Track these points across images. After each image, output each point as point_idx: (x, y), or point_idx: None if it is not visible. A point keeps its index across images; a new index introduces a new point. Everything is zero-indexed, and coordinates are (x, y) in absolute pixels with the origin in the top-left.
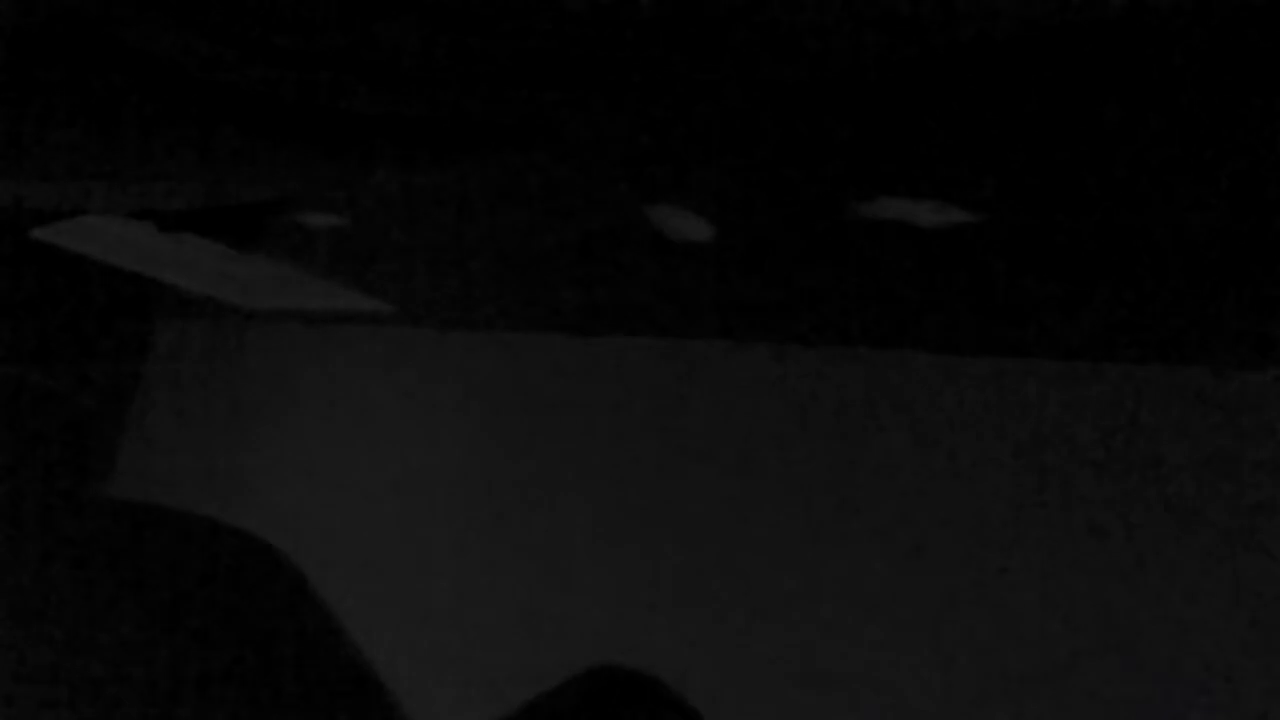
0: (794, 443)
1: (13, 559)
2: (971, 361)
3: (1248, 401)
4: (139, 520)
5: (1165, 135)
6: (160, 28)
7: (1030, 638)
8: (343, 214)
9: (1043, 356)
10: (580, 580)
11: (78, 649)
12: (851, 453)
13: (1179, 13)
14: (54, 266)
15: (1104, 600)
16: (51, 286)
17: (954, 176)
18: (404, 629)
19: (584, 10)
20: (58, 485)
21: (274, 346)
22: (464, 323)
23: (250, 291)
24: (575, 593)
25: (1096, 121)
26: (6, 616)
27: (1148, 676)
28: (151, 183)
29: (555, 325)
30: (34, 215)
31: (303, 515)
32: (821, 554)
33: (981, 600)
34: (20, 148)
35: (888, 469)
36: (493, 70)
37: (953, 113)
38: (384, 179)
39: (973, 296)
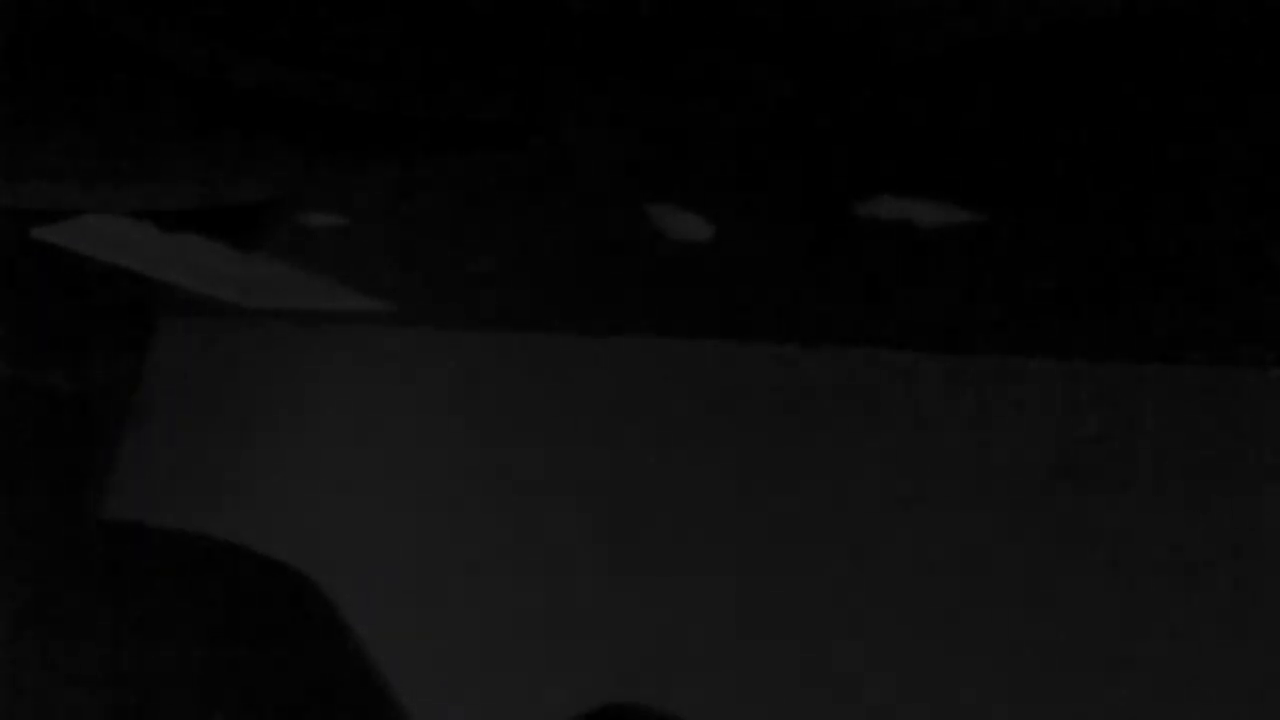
0: (794, 443)
1: (14, 561)
2: (971, 361)
3: (1248, 401)
4: (166, 542)
5: (1165, 135)
6: (160, 28)
7: (1030, 637)
8: (343, 214)
9: (1044, 356)
10: (580, 578)
11: (82, 663)
12: (851, 453)
13: (1180, 13)
14: (54, 266)
15: (1103, 600)
16: (51, 286)
17: (954, 176)
18: (404, 627)
19: (584, 10)
20: (58, 485)
21: (274, 346)
22: (464, 323)
23: (250, 291)
24: (574, 590)
25: (1098, 121)
26: (7, 621)
27: (1148, 676)
28: (151, 183)
29: (555, 325)
30: (34, 215)
31: (302, 513)
32: (821, 553)
33: (981, 600)
34: (20, 148)
35: (888, 469)
36: (492, 70)
37: (954, 112)
38: (384, 178)
39: (973, 296)
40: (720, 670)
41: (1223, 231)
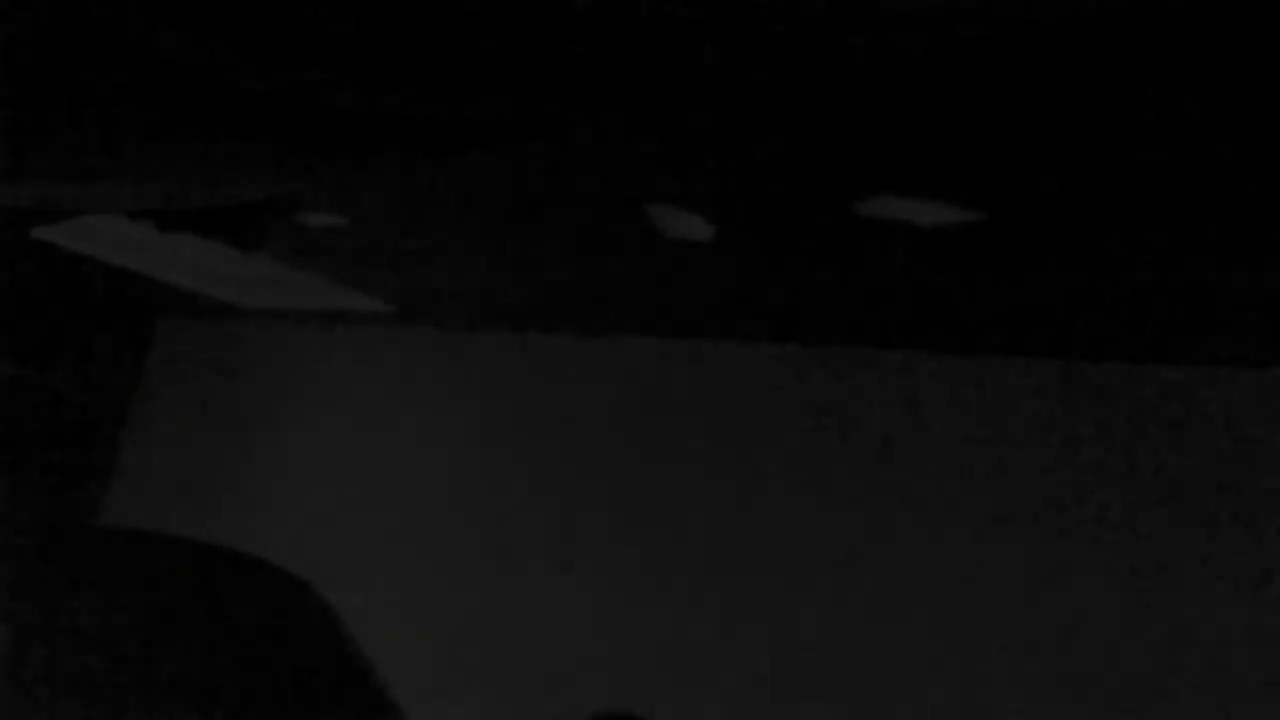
0: (794, 442)
1: (14, 562)
2: (971, 361)
3: (1248, 401)
4: (160, 548)
5: (1165, 134)
6: (161, 29)
7: (1030, 637)
8: (343, 214)
9: (1043, 356)
10: (579, 578)
11: (84, 664)
12: (851, 452)
13: (1178, 12)
14: (54, 266)
15: (1104, 600)
16: (51, 286)
17: (954, 176)
18: (402, 626)
19: (585, 11)
20: (58, 485)
21: (274, 346)
22: (464, 323)
23: (250, 291)
24: (574, 590)
25: (1096, 121)
26: (8, 622)
27: (1148, 676)
28: (151, 183)
29: (555, 325)
30: (34, 215)
31: (302, 512)
32: (821, 552)
33: (981, 599)
34: (20, 148)
35: (888, 469)
36: (493, 70)
37: (953, 112)
38: (384, 179)
39: (973, 296)
40: (720, 669)
41: (1223, 231)
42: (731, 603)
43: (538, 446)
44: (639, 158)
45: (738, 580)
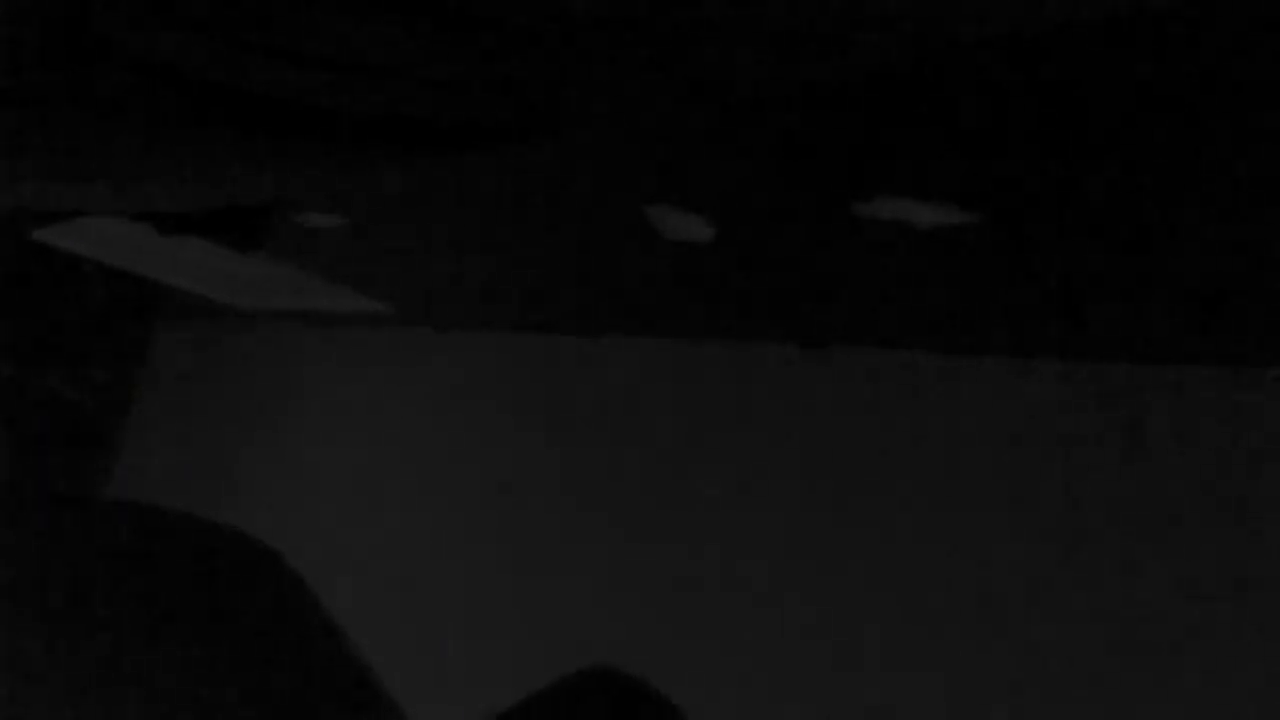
0: (794, 442)
1: (10, 558)
2: (971, 361)
3: (1248, 401)
4: (137, 520)
5: (1164, 135)
6: (159, 28)
7: (1030, 637)
8: (343, 214)
9: (1043, 356)
10: (578, 578)
11: (74, 648)
12: (852, 452)
13: (1177, 13)
14: (54, 267)
15: (1104, 600)
16: (52, 287)
17: (954, 176)
18: (402, 626)
19: (585, 10)
20: (58, 485)
21: (274, 346)
22: (464, 323)
23: (250, 291)
24: (573, 590)
25: (1096, 122)
26: (3, 616)
27: (1148, 676)
28: (151, 183)
29: (555, 325)
30: (34, 215)
31: (301, 514)
32: (821, 552)
33: (981, 599)
34: (20, 148)
35: (888, 468)
36: (493, 70)
37: (953, 113)
38: (384, 179)
39: (973, 296)
40: (719, 669)
41: (1223, 232)
42: (731, 602)
43: (537, 447)
44: (639, 158)
45: (738, 579)
